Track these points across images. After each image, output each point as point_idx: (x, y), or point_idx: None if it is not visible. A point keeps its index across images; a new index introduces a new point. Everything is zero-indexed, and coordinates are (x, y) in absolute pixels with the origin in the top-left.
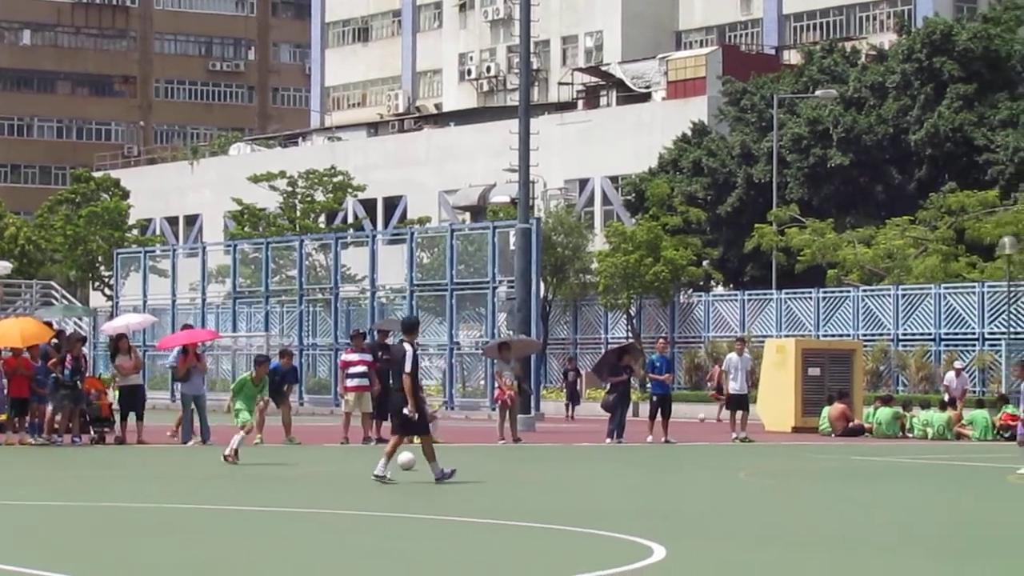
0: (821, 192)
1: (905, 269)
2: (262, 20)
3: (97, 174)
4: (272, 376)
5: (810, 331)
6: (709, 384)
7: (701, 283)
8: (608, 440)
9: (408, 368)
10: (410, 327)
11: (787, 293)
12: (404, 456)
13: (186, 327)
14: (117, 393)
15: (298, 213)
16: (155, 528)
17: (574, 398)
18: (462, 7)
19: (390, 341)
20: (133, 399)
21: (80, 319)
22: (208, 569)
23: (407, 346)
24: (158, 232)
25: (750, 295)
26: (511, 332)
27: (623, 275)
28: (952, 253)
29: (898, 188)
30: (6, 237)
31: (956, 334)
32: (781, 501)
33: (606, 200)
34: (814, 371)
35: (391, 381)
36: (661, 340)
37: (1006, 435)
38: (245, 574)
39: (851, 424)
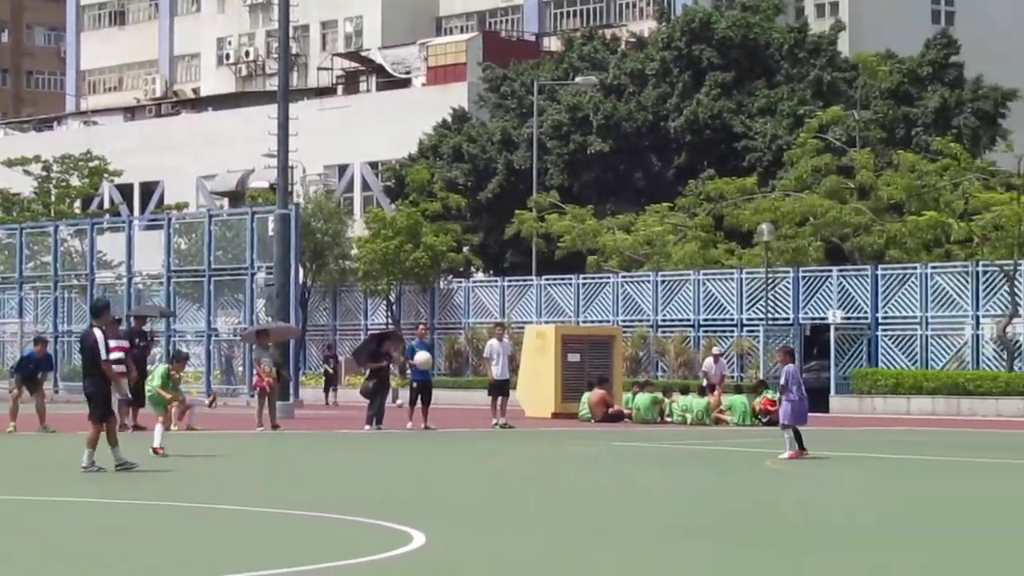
0: (581, 179)
1: (664, 255)
2: (16, 2)
3: None
4: (26, 364)
5: (570, 317)
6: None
7: (461, 269)
8: (367, 426)
9: (104, 355)
10: (98, 310)
11: (547, 279)
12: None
13: None
14: None
15: (53, 198)
16: None
17: (333, 384)
18: None
19: (147, 328)
20: None
21: None
22: None
23: (96, 331)
24: None
25: (510, 281)
26: (270, 318)
27: (383, 261)
28: (711, 240)
29: (657, 175)
30: None
31: (715, 320)
32: (542, 487)
33: (366, 186)
34: (574, 357)
35: (83, 367)
36: (421, 326)
37: (764, 420)
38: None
39: (611, 410)
